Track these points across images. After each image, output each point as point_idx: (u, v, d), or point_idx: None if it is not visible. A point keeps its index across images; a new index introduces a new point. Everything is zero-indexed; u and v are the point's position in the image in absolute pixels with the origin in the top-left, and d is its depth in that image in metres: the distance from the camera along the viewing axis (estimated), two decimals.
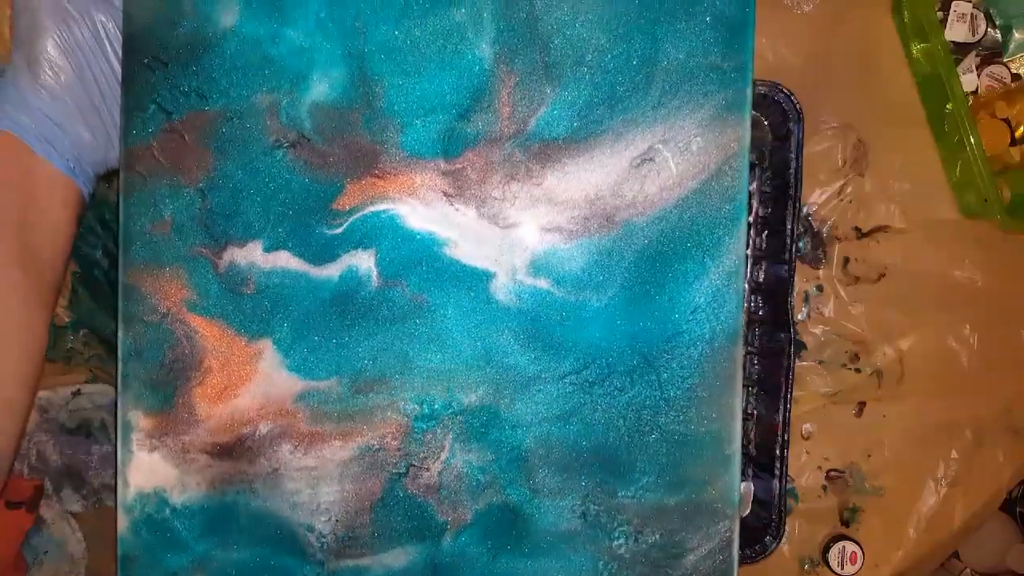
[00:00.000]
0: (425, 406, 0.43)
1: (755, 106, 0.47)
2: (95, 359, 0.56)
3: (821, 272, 0.58)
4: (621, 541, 0.43)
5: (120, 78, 0.43)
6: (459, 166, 0.43)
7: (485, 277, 0.43)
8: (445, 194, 0.43)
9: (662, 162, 0.43)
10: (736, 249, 0.43)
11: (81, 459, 0.55)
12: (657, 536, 0.43)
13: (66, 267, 0.45)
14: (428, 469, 0.43)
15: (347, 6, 0.42)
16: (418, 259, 0.43)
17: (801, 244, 0.57)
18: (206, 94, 0.42)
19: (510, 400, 0.43)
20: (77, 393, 0.55)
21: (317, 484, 0.43)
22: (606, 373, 0.43)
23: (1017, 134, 0.56)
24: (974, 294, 0.58)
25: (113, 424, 0.54)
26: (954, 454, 0.57)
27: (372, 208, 0.43)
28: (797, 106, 0.51)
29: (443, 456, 0.43)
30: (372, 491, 0.43)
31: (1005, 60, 0.59)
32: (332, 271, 0.43)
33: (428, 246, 0.43)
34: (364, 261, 0.43)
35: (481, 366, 0.43)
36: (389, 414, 0.43)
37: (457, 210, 0.43)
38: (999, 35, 0.60)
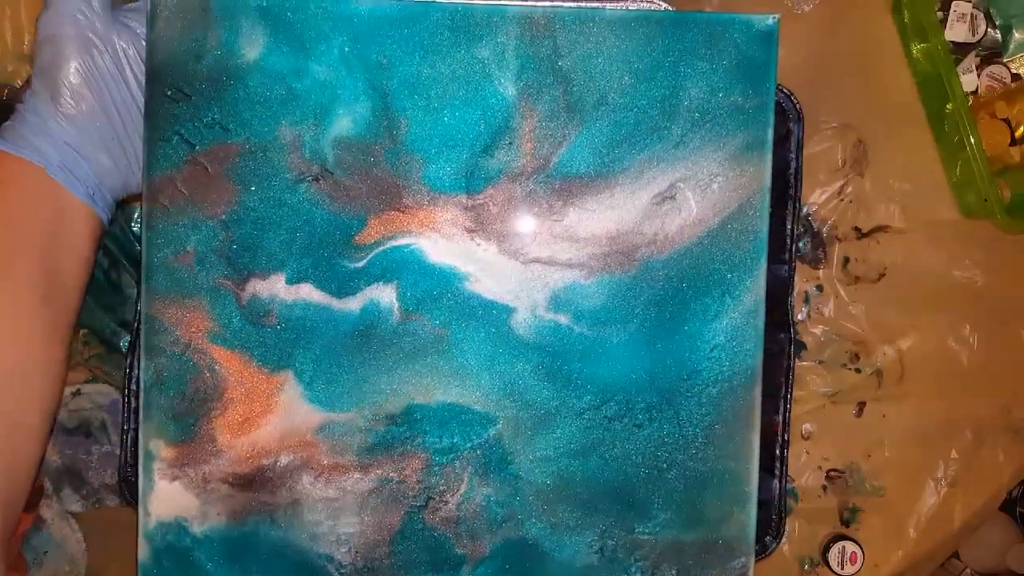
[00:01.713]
0: (444, 439, 0.44)
1: None
2: (95, 359, 0.56)
3: (821, 272, 0.58)
4: None
5: (140, 104, 0.43)
6: (481, 201, 0.43)
7: (506, 312, 0.43)
8: (467, 229, 0.43)
9: (683, 200, 0.43)
10: (756, 288, 0.43)
11: (81, 459, 0.55)
12: (673, 572, 0.43)
13: (84, 291, 0.45)
14: (447, 502, 0.44)
15: (371, 42, 0.42)
16: (439, 293, 0.43)
17: (801, 244, 0.57)
18: (229, 127, 0.43)
19: (529, 434, 0.43)
20: (77, 393, 0.55)
21: (337, 515, 0.44)
22: (625, 409, 0.43)
23: (1017, 134, 0.56)
24: (974, 294, 0.58)
25: (113, 424, 0.55)
26: (954, 454, 0.58)
27: (394, 242, 0.43)
28: (797, 106, 0.51)
29: (462, 489, 0.44)
30: (391, 523, 0.44)
31: (1005, 60, 0.59)
32: (354, 304, 0.43)
33: (449, 280, 0.43)
34: (386, 294, 0.43)
35: (501, 400, 0.43)
36: (409, 447, 0.44)
37: (479, 245, 0.43)
38: (999, 35, 0.60)
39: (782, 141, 0.52)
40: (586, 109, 0.42)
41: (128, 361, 0.47)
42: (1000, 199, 0.54)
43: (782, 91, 0.51)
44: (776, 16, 0.42)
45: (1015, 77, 0.59)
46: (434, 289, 0.43)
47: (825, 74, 0.57)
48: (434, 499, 0.44)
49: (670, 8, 0.43)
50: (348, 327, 0.43)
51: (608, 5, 0.43)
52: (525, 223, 0.43)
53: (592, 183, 0.43)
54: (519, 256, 0.43)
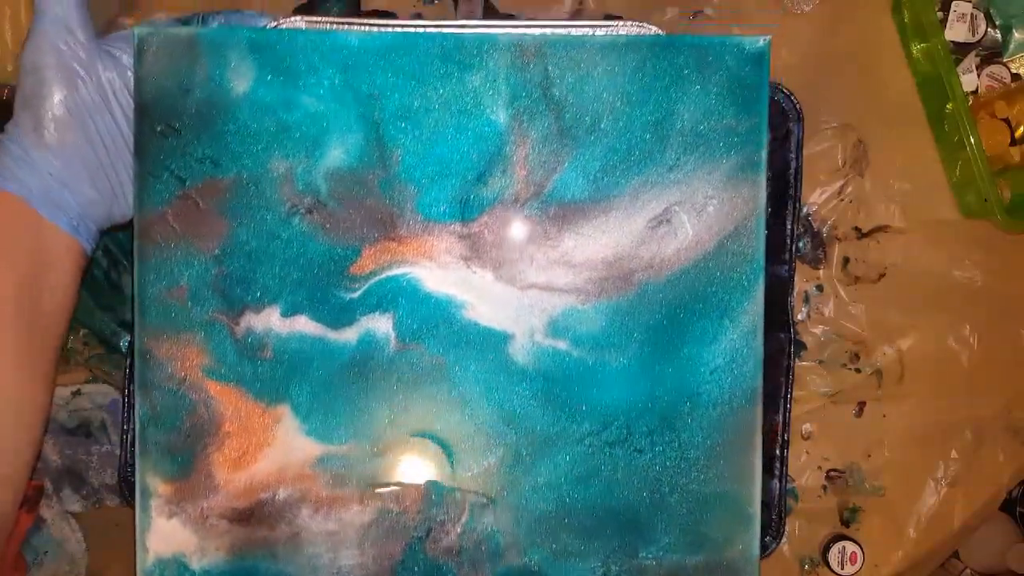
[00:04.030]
0: (445, 468, 0.43)
1: None
2: (95, 359, 0.55)
3: (821, 272, 0.58)
4: None
5: (126, 134, 0.43)
6: (476, 229, 0.43)
7: (503, 339, 0.43)
8: (462, 257, 0.43)
9: (679, 224, 0.43)
10: (754, 309, 0.43)
11: (81, 459, 0.55)
12: None
13: (69, 324, 0.45)
14: (448, 532, 0.43)
15: (361, 72, 0.42)
16: (436, 322, 0.43)
17: (801, 244, 0.57)
18: (220, 161, 0.42)
19: (530, 462, 0.43)
20: (77, 393, 0.55)
21: (337, 548, 0.43)
22: (626, 434, 0.43)
23: (1017, 134, 0.56)
24: (974, 294, 0.58)
25: (113, 424, 0.54)
26: (954, 454, 0.57)
27: (389, 272, 0.43)
28: (797, 106, 0.51)
29: (463, 519, 0.43)
30: (392, 554, 0.43)
31: (1005, 60, 0.59)
32: (350, 335, 0.43)
33: (446, 309, 0.43)
34: (382, 324, 0.43)
35: (500, 428, 0.43)
36: (408, 477, 0.43)
37: (475, 273, 0.43)
38: (999, 35, 0.60)
39: (782, 141, 0.52)
40: (579, 135, 0.42)
41: (128, 361, 0.47)
42: (1000, 199, 0.54)
43: (782, 91, 0.51)
44: (767, 38, 0.42)
45: (1015, 77, 0.59)
46: (431, 318, 0.43)
47: (825, 74, 0.57)
48: (435, 529, 0.43)
49: (661, 32, 0.43)
50: (345, 358, 0.43)
51: (598, 30, 0.42)
52: (521, 250, 0.43)
53: (587, 208, 0.43)
54: (516, 283, 0.43)
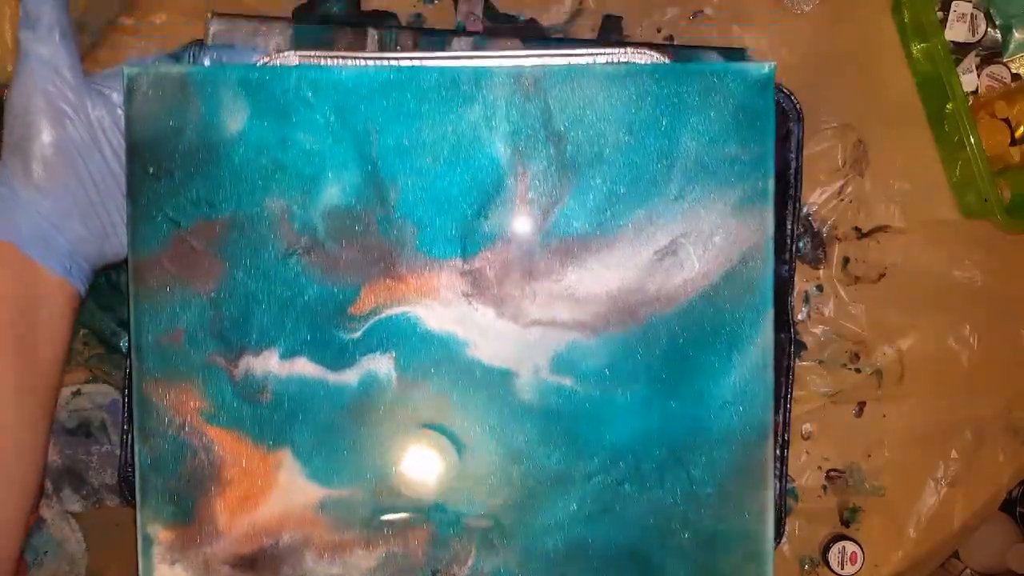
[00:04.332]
0: (450, 510, 0.42)
1: None
2: (95, 359, 0.55)
3: (821, 272, 0.58)
4: None
5: (116, 173, 0.42)
6: (477, 265, 0.42)
7: (507, 377, 0.42)
8: (464, 294, 0.42)
9: (685, 256, 0.42)
10: (763, 342, 0.42)
11: (81, 459, 0.54)
12: None
13: (62, 372, 0.44)
14: (455, 575, 0.42)
15: (356, 109, 0.41)
16: (438, 361, 0.42)
17: (801, 244, 0.57)
18: (215, 202, 0.41)
19: (537, 501, 0.42)
20: (77, 393, 0.55)
21: None
22: (635, 471, 0.42)
23: (1017, 134, 0.55)
24: (974, 294, 0.57)
25: (113, 424, 0.54)
26: (954, 454, 0.57)
27: (390, 311, 0.42)
28: (797, 106, 0.50)
29: (470, 562, 0.42)
30: None
31: (1005, 60, 0.59)
32: (351, 376, 0.42)
33: (448, 347, 0.42)
34: (383, 365, 0.42)
35: (506, 467, 0.42)
36: (413, 519, 0.42)
37: (476, 310, 0.42)
38: (999, 35, 0.59)
39: (782, 141, 0.51)
40: (581, 167, 0.41)
41: (128, 361, 0.46)
42: (1000, 199, 0.54)
43: (782, 91, 0.50)
44: (772, 64, 0.41)
45: (1015, 77, 0.58)
46: (433, 358, 0.42)
47: (825, 74, 0.57)
48: (442, 572, 0.43)
49: (664, 59, 0.42)
50: (346, 400, 0.42)
51: (599, 58, 0.41)
52: (523, 285, 0.42)
53: (590, 242, 0.42)
54: (519, 319, 0.42)
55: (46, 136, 0.40)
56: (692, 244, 0.42)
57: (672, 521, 0.42)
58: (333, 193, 0.41)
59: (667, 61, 0.41)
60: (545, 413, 0.42)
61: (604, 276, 0.42)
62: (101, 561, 0.55)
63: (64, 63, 0.40)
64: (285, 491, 0.42)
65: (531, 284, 0.42)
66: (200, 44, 0.47)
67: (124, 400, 0.47)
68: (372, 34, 0.51)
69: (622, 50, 0.41)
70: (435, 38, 0.51)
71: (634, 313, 0.42)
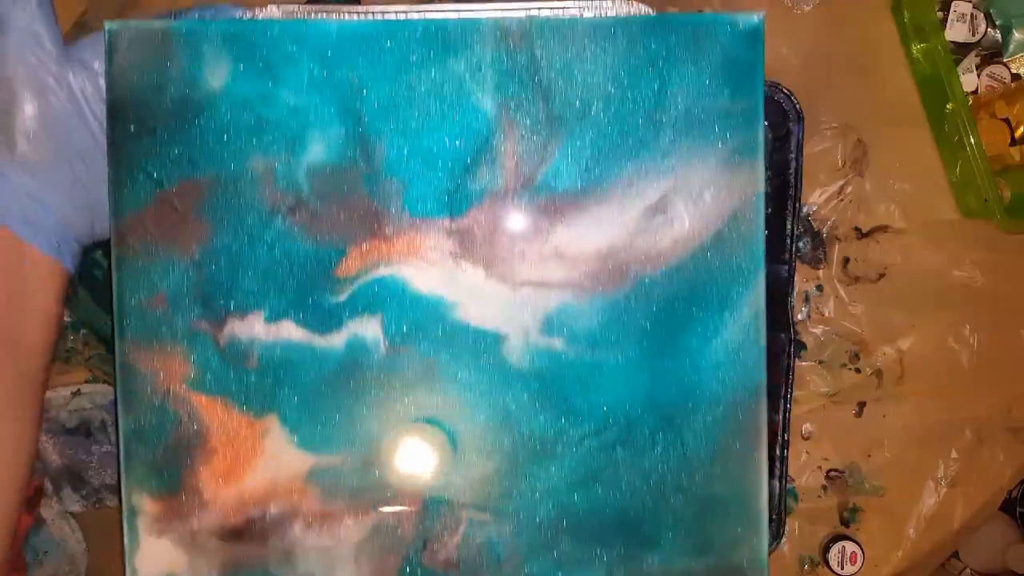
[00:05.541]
0: (440, 478, 0.42)
1: None
2: (95, 359, 0.55)
3: (821, 272, 0.58)
4: None
5: (102, 145, 0.41)
6: (465, 224, 0.41)
7: (496, 339, 0.41)
8: (451, 254, 0.41)
9: (674, 213, 0.41)
10: (755, 301, 0.41)
11: (81, 459, 0.54)
12: None
13: (54, 348, 0.43)
14: (446, 544, 0.42)
15: (341, 63, 0.40)
16: (426, 323, 0.41)
17: (801, 244, 0.57)
18: (197, 160, 0.41)
19: (528, 466, 0.42)
20: (77, 393, 0.54)
21: (332, 564, 0.41)
22: (626, 434, 0.41)
23: (1017, 134, 0.56)
24: (974, 294, 0.57)
25: (113, 423, 0.53)
26: (954, 454, 0.57)
27: (376, 273, 0.41)
28: (797, 106, 0.51)
29: (461, 529, 0.42)
30: (389, 568, 0.41)
31: (1005, 60, 0.59)
32: (337, 340, 0.41)
33: (436, 310, 0.41)
34: (370, 328, 0.41)
35: (496, 432, 0.41)
36: (403, 487, 0.42)
37: (464, 271, 0.41)
38: (999, 35, 0.59)
39: (782, 141, 0.51)
40: (569, 121, 0.41)
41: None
42: (1000, 199, 0.54)
43: (782, 91, 0.50)
44: (761, 14, 0.40)
45: (1015, 77, 0.58)
46: (421, 320, 0.41)
47: (825, 74, 0.57)
48: (432, 541, 0.42)
49: (651, 11, 0.41)
50: (332, 365, 0.41)
51: (586, 11, 0.41)
52: (511, 245, 0.41)
53: (579, 199, 0.41)
54: (507, 280, 0.41)
55: (29, 108, 0.39)
56: (682, 200, 0.41)
57: (664, 486, 0.41)
58: (318, 151, 0.41)
59: (654, 12, 0.41)
60: (535, 376, 0.41)
61: (594, 234, 0.41)
62: (101, 561, 0.55)
63: (44, 32, 0.40)
64: (272, 460, 0.41)
65: (520, 244, 0.41)
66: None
67: None
68: None
69: (609, 2, 0.41)
70: None
71: (624, 273, 0.41)
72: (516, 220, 0.41)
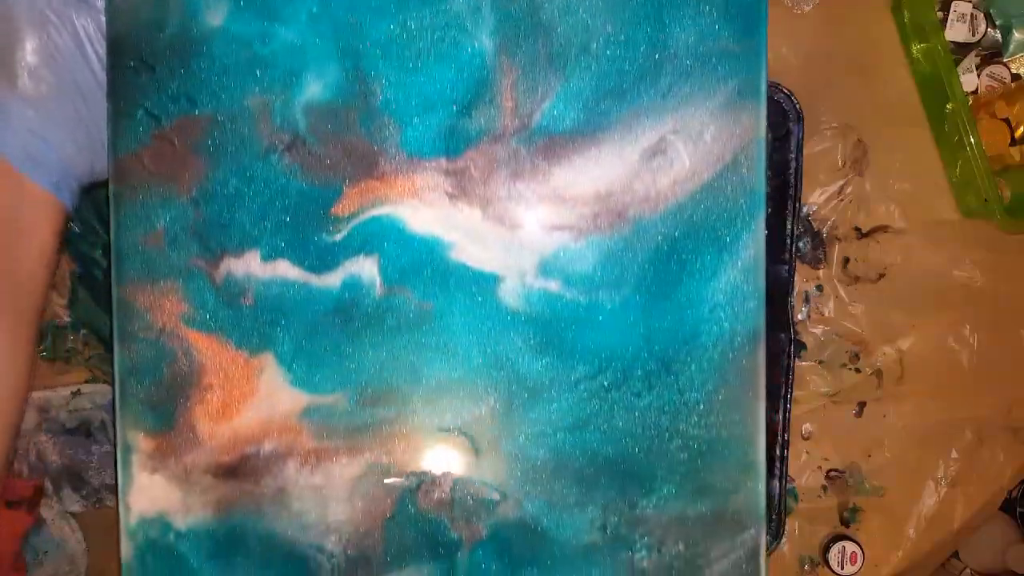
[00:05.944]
0: (434, 417, 0.41)
1: None
2: (95, 359, 0.55)
3: (821, 272, 0.57)
4: (643, 554, 0.41)
5: (103, 84, 0.41)
6: (462, 165, 0.41)
7: (493, 280, 0.41)
8: (448, 195, 0.41)
9: (674, 154, 0.41)
10: (755, 243, 0.41)
11: (81, 459, 0.54)
12: (680, 547, 0.41)
13: (50, 285, 0.43)
14: (440, 484, 0.41)
15: (340, 1, 0.40)
16: (422, 264, 0.41)
17: (801, 244, 0.57)
18: (196, 98, 0.41)
19: (523, 409, 0.41)
20: (77, 393, 0.54)
21: (325, 503, 0.41)
22: (622, 377, 0.41)
23: (1017, 134, 0.55)
24: (974, 294, 0.57)
25: (113, 424, 0.53)
26: (954, 454, 0.57)
27: (373, 212, 0.41)
28: (797, 106, 0.51)
29: (455, 470, 0.41)
30: (383, 508, 0.41)
31: (1005, 60, 0.59)
32: (333, 280, 0.41)
33: (432, 250, 0.41)
34: (366, 268, 0.41)
35: (491, 374, 0.41)
36: (398, 427, 0.41)
37: (461, 211, 0.41)
38: (999, 35, 0.59)
39: (782, 141, 0.51)
40: (568, 61, 0.40)
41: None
42: (1000, 199, 0.54)
43: (782, 91, 0.50)
44: None
45: (1015, 77, 0.58)
46: (417, 260, 0.41)
47: (825, 74, 0.56)
48: (426, 482, 0.41)
49: None
50: (328, 304, 0.41)
51: None
52: (509, 186, 0.41)
53: (577, 140, 0.41)
54: (504, 221, 0.41)
55: (30, 43, 0.40)
56: (682, 142, 0.40)
57: (660, 430, 0.41)
58: (315, 89, 0.41)
59: None
60: (531, 318, 0.41)
61: (592, 176, 0.41)
62: (101, 561, 0.55)
63: None
64: (267, 397, 0.41)
65: (517, 184, 0.41)
66: None
67: None
68: None
69: None
70: None
71: (622, 214, 0.41)
72: (514, 161, 0.41)
